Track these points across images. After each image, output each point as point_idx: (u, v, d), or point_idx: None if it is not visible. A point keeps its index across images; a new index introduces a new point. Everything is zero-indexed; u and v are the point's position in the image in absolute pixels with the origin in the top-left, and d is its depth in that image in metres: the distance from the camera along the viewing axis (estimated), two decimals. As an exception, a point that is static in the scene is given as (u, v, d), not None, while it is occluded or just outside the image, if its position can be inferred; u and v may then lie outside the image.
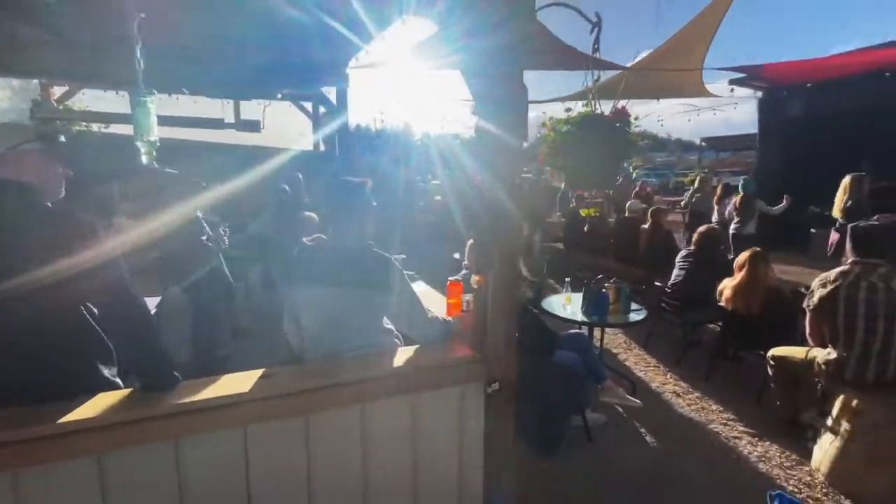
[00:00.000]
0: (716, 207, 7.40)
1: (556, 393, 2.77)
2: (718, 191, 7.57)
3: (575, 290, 4.13)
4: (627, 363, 4.28)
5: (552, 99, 5.76)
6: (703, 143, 21.30)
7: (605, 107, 3.70)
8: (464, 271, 3.60)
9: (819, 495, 2.61)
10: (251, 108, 6.66)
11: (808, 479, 2.74)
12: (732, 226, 6.85)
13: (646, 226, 6.10)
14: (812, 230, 8.33)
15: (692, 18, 5.02)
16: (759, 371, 3.50)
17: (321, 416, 1.64)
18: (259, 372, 1.68)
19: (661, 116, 11.26)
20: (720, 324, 4.04)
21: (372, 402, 1.71)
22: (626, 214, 7.02)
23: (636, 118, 3.57)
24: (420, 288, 3.02)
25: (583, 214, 6.53)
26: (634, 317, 3.68)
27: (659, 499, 2.57)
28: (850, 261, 2.76)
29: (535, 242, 5.39)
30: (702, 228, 4.56)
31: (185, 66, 4.52)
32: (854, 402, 2.65)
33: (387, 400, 1.73)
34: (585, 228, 7.15)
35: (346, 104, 6.54)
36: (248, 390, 1.55)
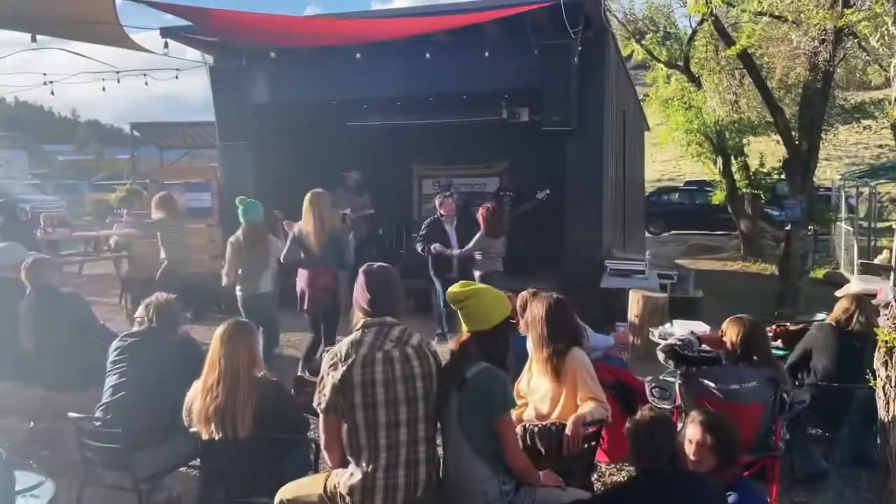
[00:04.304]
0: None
1: None
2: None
3: None
4: None
5: None
6: (137, 133, 12.85)
7: None
8: None
9: None
10: None
11: None
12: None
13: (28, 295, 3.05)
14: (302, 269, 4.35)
15: None
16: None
17: None
18: None
19: (50, 75, 5.43)
20: (200, 463, 2.45)
21: None
22: None
23: None
24: None
25: None
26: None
27: None
28: (360, 324, 1.86)
29: None
30: (158, 297, 2.78)
31: None
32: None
33: None
34: None
35: None
36: None
